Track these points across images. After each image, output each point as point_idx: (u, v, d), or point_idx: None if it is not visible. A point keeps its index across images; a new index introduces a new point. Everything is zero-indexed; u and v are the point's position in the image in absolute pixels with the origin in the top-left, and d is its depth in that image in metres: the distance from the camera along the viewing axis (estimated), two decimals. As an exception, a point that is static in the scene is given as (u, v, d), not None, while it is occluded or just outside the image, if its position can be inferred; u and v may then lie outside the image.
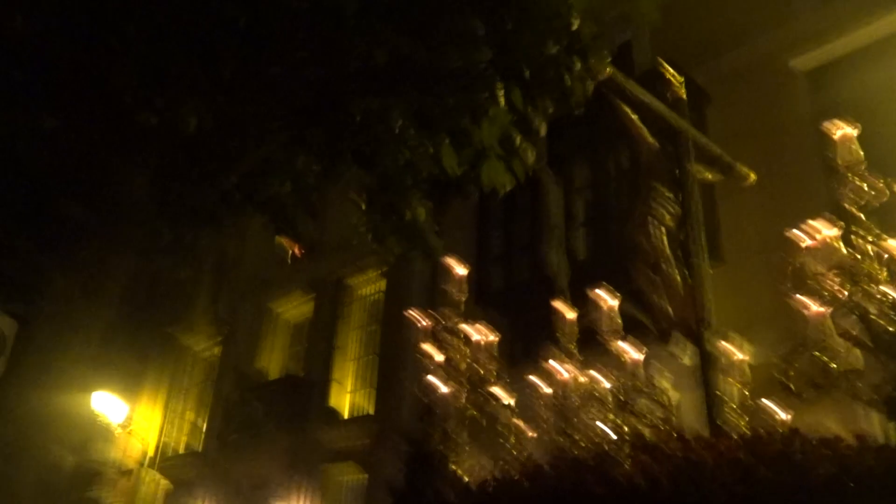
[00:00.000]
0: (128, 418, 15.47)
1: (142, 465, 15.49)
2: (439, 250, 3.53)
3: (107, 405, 15.31)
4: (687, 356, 4.29)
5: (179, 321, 16.50)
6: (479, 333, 4.57)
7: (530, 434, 4.61)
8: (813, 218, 6.73)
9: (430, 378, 4.52)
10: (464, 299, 4.83)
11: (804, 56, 6.96)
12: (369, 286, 12.17)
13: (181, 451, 14.94)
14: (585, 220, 7.97)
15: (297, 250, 14.26)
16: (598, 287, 4.11)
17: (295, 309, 13.75)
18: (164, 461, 15.05)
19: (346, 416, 11.12)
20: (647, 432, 3.63)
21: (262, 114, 2.88)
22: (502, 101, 2.96)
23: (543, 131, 3.22)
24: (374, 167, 3.14)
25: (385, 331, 11.17)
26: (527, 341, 7.05)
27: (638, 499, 3.12)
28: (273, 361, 13.63)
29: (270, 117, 2.90)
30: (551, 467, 3.84)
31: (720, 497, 2.91)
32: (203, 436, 14.48)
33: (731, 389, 4.36)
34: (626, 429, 3.51)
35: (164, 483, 14.82)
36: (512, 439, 4.48)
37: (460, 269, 4.94)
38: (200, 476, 13.55)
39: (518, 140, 3.12)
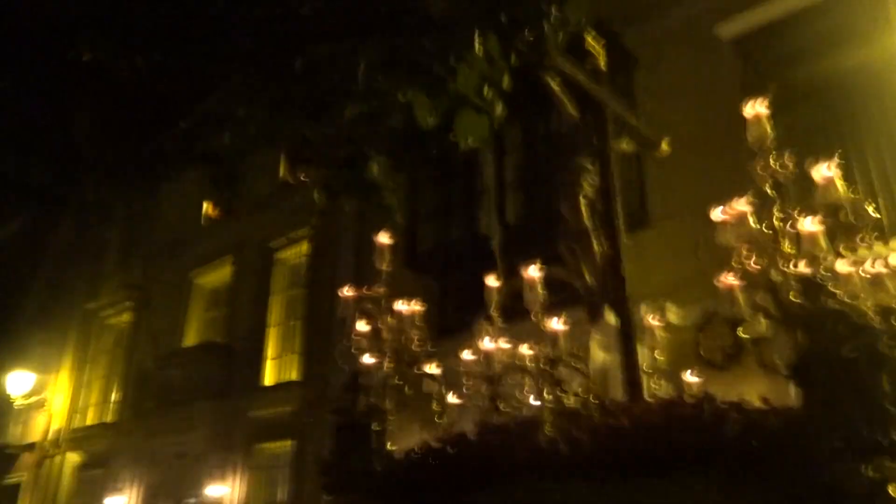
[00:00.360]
0: (32, 391, 14.76)
1: (46, 438, 14.85)
2: (395, 209, 3.40)
3: (16, 383, 14.67)
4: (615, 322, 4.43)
5: (85, 285, 15.79)
6: (406, 303, 4.59)
7: (455, 402, 4.71)
8: (738, 184, 7.02)
9: (354, 348, 4.53)
10: (386, 269, 4.82)
11: (729, 23, 6.98)
12: (292, 249, 11.83)
13: (89, 422, 14.34)
14: (516, 183, 7.87)
15: (212, 211, 13.76)
16: (527, 254, 4.18)
17: (213, 273, 13.29)
18: (73, 433, 14.42)
19: (269, 382, 10.88)
20: (568, 400, 3.76)
21: (206, 59, 2.72)
22: (480, 47, 2.83)
23: (508, 84, 3.13)
24: (325, 118, 3.00)
25: (309, 296, 10.94)
26: (458, 305, 7.05)
27: (559, 462, 3.25)
28: (190, 328, 13.18)
29: (214, 62, 2.74)
30: (476, 434, 3.93)
31: (637, 458, 3.06)
32: (115, 406, 13.95)
33: (650, 356, 4.58)
34: (547, 396, 3.60)
35: (72, 456, 14.28)
36: (435, 407, 4.56)
37: (384, 238, 4.92)
38: (114, 448, 13.08)
39: (488, 91, 3.02)
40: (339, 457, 4.25)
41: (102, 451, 13.37)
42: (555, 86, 4.64)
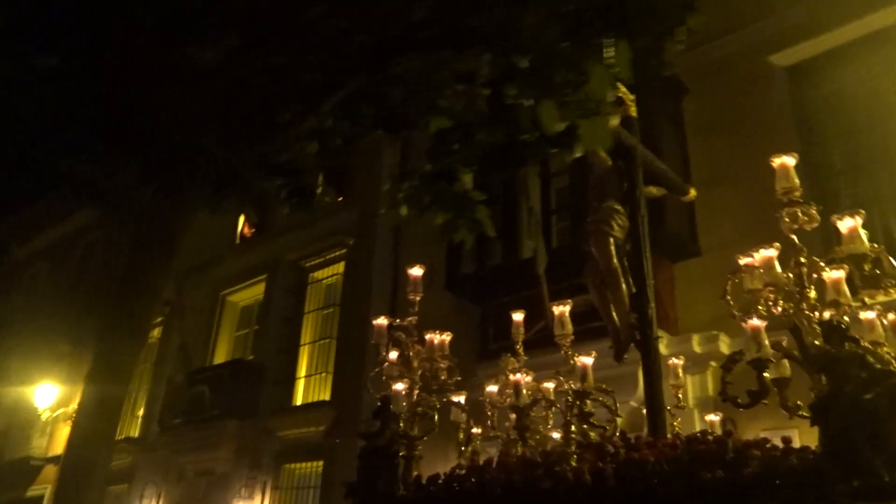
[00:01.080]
0: (58, 403, 14.79)
1: None
2: (487, 222, 3.35)
3: (43, 395, 14.66)
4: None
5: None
6: (435, 333, 4.74)
7: (479, 431, 4.82)
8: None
9: (385, 375, 4.67)
10: (419, 298, 4.98)
11: (784, 51, 6.91)
12: (327, 268, 11.71)
13: (116, 437, 14.49)
14: (561, 209, 7.78)
15: (247, 229, 13.91)
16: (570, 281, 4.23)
17: (245, 292, 13.24)
18: None
19: (299, 402, 10.76)
20: (592, 434, 3.86)
21: (307, 78, 2.86)
22: (612, 52, 2.81)
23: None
24: (407, 129, 3.10)
25: (343, 315, 10.82)
26: (499, 330, 6.94)
27: (584, 493, 3.34)
28: (221, 346, 13.13)
29: (315, 80, 2.89)
30: (499, 464, 4.04)
31: (660, 490, 3.15)
32: (140, 421, 13.86)
33: (673, 394, 4.68)
34: (573, 429, 3.71)
35: None
36: (461, 436, 4.68)
37: (415, 270, 5.09)
38: (138, 463, 13.04)
39: (610, 98, 2.98)
40: (365, 481, 4.36)
41: (127, 465, 13.23)
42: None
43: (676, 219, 6.68)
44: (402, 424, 4.39)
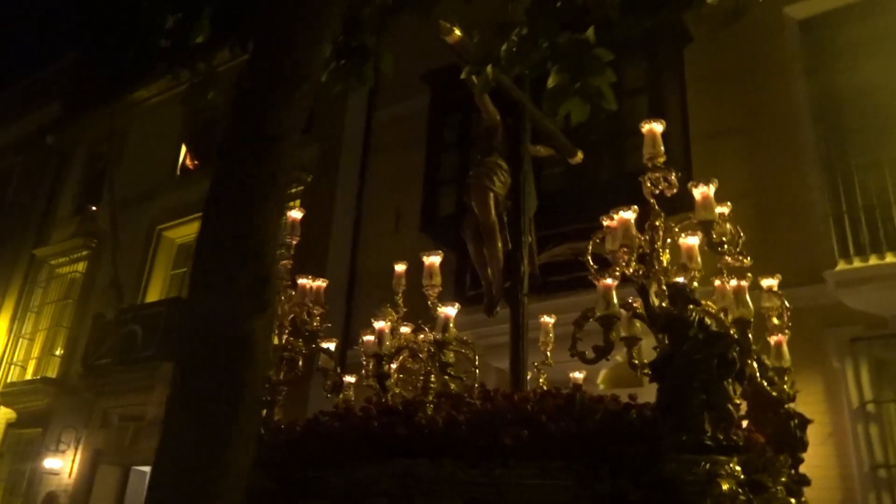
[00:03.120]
0: None
1: None
2: (609, 94, 2.76)
3: None
4: None
5: (31, 228, 14.49)
6: (310, 278, 4.65)
7: (351, 380, 4.80)
8: (790, 169, 6.64)
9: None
10: (294, 242, 4.87)
11: (799, 3, 6.81)
12: None
13: (28, 376, 13.09)
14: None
15: (189, 160, 12.98)
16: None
17: (184, 227, 12.17)
18: (7, 387, 13.15)
19: None
20: (453, 385, 3.91)
21: None
22: None
23: None
24: None
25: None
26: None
27: (436, 439, 3.39)
28: (153, 283, 12.25)
29: None
30: (362, 410, 4.04)
31: (508, 443, 3.23)
32: (59, 361, 12.80)
33: (542, 350, 4.79)
34: (433, 379, 3.74)
35: (4, 412, 13.08)
36: (328, 383, 4.65)
37: (295, 213, 4.98)
38: (55, 406, 12.07)
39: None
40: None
41: (41, 408, 12.31)
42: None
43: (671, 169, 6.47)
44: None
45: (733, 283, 3.25)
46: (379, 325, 3.97)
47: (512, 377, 4.26)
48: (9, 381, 13.38)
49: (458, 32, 4.38)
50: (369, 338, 4.91)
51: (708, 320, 2.92)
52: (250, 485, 4.03)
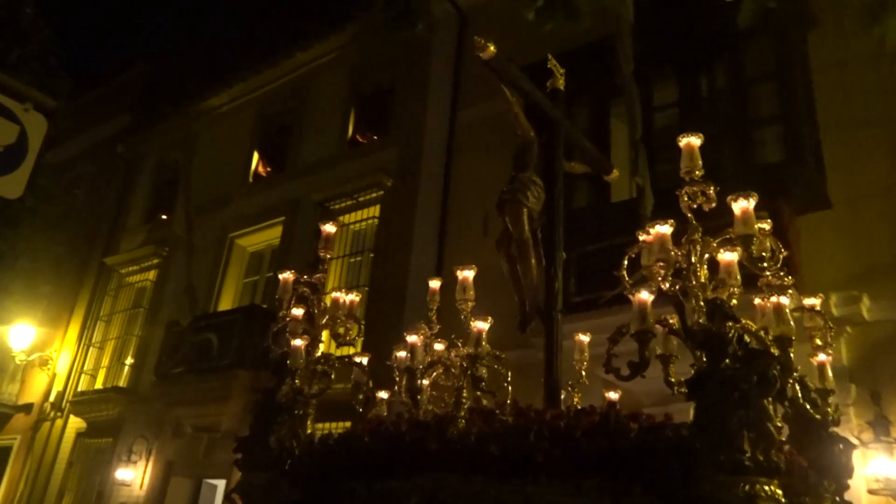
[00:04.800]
0: (33, 347, 13.41)
1: (47, 399, 13.51)
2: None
3: (19, 336, 13.28)
4: None
5: (101, 236, 14.40)
6: (344, 291, 4.66)
7: (382, 395, 4.78)
8: None
9: (288, 331, 4.57)
10: (329, 256, 4.89)
11: None
12: (358, 212, 10.49)
13: (98, 385, 12.90)
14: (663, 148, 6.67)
15: (261, 167, 12.73)
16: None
17: (255, 234, 12.06)
18: (78, 396, 13.00)
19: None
20: (485, 400, 3.87)
21: None
22: None
23: None
24: None
25: (378, 263, 9.69)
26: (582, 280, 6.54)
27: (467, 454, 3.35)
28: (225, 292, 11.99)
29: None
30: (393, 425, 4.01)
31: (539, 460, 3.17)
32: (129, 370, 12.66)
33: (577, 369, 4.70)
34: (465, 394, 3.69)
35: (75, 422, 12.91)
36: (360, 397, 4.63)
37: (328, 227, 4.98)
38: (126, 415, 11.86)
39: None
40: (256, 435, 4.28)
41: (112, 418, 12.07)
42: (511, 97, 4.78)
43: (802, 167, 6.11)
44: (297, 381, 4.30)
45: (773, 299, 3.15)
46: (412, 339, 3.94)
47: (546, 394, 4.21)
48: (79, 390, 13.27)
49: (492, 48, 4.39)
50: (402, 353, 4.91)
51: (747, 337, 2.85)
52: (282, 497, 4.06)
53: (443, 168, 9.90)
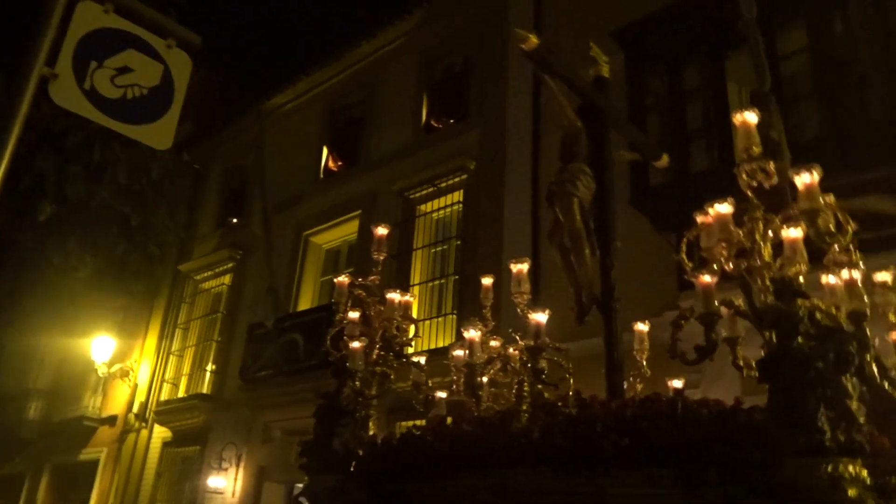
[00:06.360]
0: (113, 359, 13.57)
1: (130, 410, 13.65)
2: None
3: (102, 349, 13.35)
4: None
5: (176, 245, 14.28)
6: (399, 292, 4.67)
7: (440, 395, 4.77)
8: None
9: (346, 334, 4.60)
10: (382, 258, 4.89)
11: None
12: (440, 199, 10.16)
13: (182, 394, 12.93)
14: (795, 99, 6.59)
15: (332, 162, 12.54)
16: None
17: (330, 231, 11.94)
18: (161, 406, 13.05)
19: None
20: (547, 393, 3.82)
21: None
22: None
23: None
24: None
25: (465, 251, 9.33)
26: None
27: (533, 449, 3.30)
28: (305, 293, 11.86)
29: None
30: (455, 423, 4.00)
31: (608, 450, 3.11)
32: (211, 376, 12.60)
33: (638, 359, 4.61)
34: (526, 387, 3.66)
35: (160, 431, 12.97)
36: (420, 396, 4.63)
37: (380, 230, 5.00)
38: (212, 422, 11.75)
39: None
40: (320, 439, 4.31)
41: (197, 425, 12.04)
42: (556, 88, 4.73)
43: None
44: (357, 383, 4.32)
45: (844, 275, 3.03)
46: (469, 334, 3.91)
47: (608, 384, 4.13)
48: (161, 399, 13.30)
49: (534, 39, 4.34)
50: (458, 352, 4.88)
51: (819, 315, 2.74)
52: (348, 499, 4.07)
53: (530, 146, 9.38)
